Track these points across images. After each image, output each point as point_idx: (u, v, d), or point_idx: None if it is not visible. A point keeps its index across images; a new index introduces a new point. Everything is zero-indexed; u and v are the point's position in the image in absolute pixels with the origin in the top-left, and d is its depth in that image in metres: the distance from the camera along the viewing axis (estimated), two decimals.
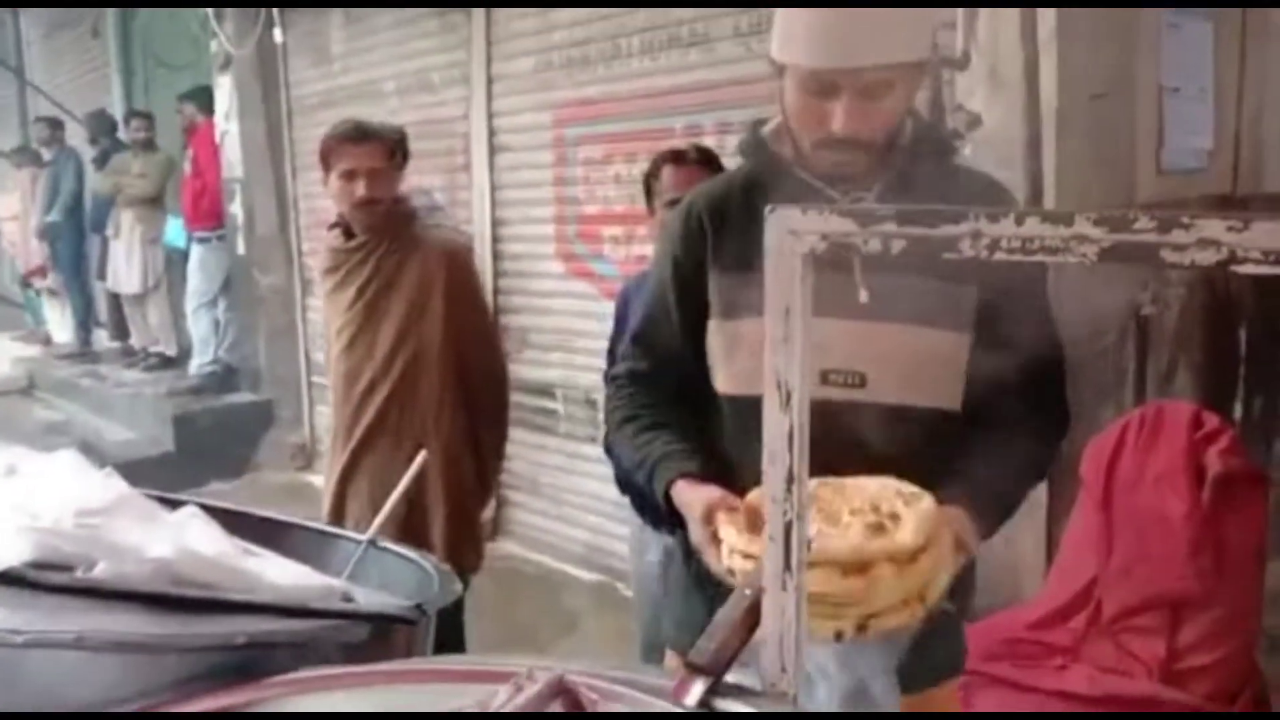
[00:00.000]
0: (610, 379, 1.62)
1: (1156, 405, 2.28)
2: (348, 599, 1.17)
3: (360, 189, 2.53)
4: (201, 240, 6.46)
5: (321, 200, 5.66)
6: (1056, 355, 1.49)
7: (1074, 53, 2.73)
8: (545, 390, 4.39)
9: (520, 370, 4.19)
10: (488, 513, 4.51)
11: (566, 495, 4.48)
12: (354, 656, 1.08)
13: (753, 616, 0.99)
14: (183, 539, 1.12)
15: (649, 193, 2.46)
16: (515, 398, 4.52)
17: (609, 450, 1.97)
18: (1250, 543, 2.15)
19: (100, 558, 1.05)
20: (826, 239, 0.89)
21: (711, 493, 1.36)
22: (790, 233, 0.91)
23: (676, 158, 2.42)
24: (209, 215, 6.39)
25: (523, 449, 4.68)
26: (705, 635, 0.98)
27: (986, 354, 1.39)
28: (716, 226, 1.47)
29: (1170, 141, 3.18)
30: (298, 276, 6.02)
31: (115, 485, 1.27)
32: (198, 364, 6.60)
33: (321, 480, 5.55)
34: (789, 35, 1.37)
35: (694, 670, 0.96)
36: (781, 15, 1.40)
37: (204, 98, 6.41)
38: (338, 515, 2.69)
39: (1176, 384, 3.15)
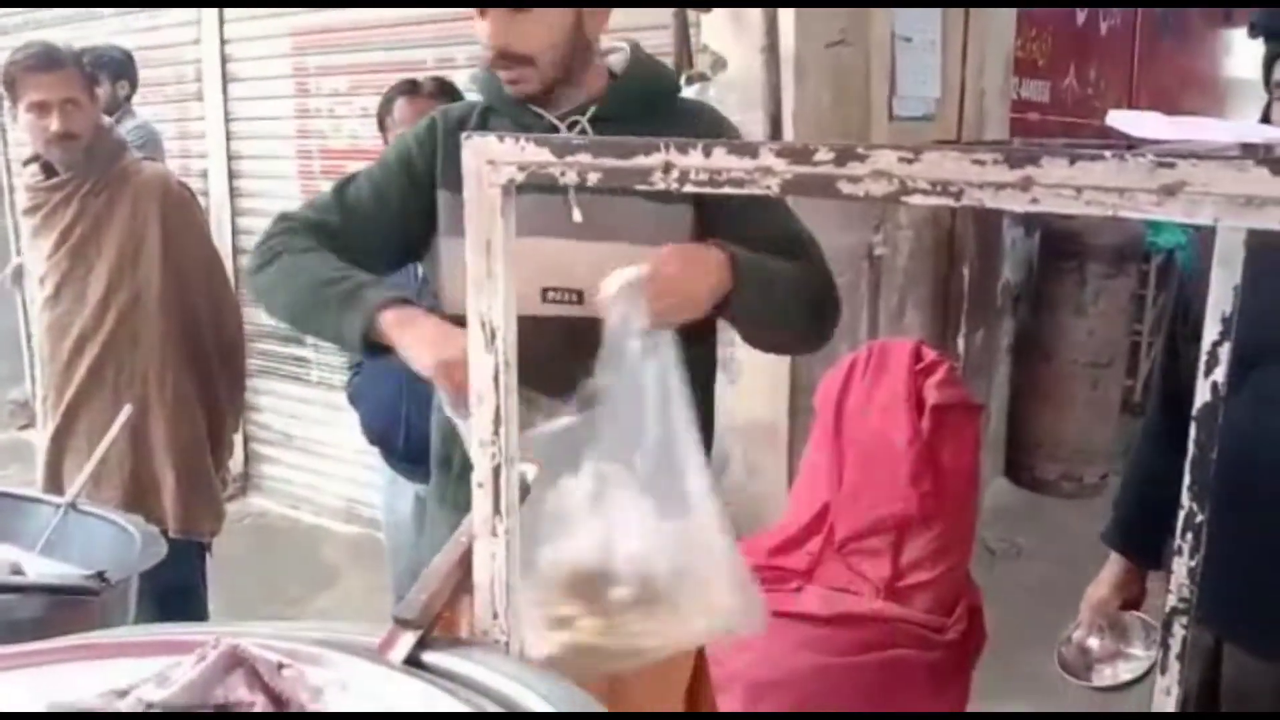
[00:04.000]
0: (281, 218, 1.54)
1: (881, 342, 2.41)
2: (18, 572, 1.04)
3: (54, 123, 2.27)
4: None
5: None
6: (809, 240, 1.53)
7: None
8: (295, 336, 4.17)
9: (265, 315, 3.95)
10: (235, 468, 4.28)
11: (321, 447, 4.31)
12: (38, 632, 0.97)
13: (464, 565, 0.96)
14: None
15: (382, 127, 2.35)
16: (262, 345, 4.30)
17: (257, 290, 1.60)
18: (965, 467, 2.31)
19: None
20: (524, 169, 0.85)
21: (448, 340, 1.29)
22: (488, 163, 0.87)
23: (411, 89, 2.31)
24: None
25: (273, 399, 4.46)
26: (415, 588, 0.94)
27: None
28: (449, 148, 1.48)
29: (902, 89, 3.35)
30: (9, 215, 5.42)
31: None
32: None
33: None
34: None
35: (402, 624, 0.92)
36: None
37: None
38: (54, 481, 2.44)
39: (906, 320, 3.36)
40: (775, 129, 2.60)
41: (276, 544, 4.20)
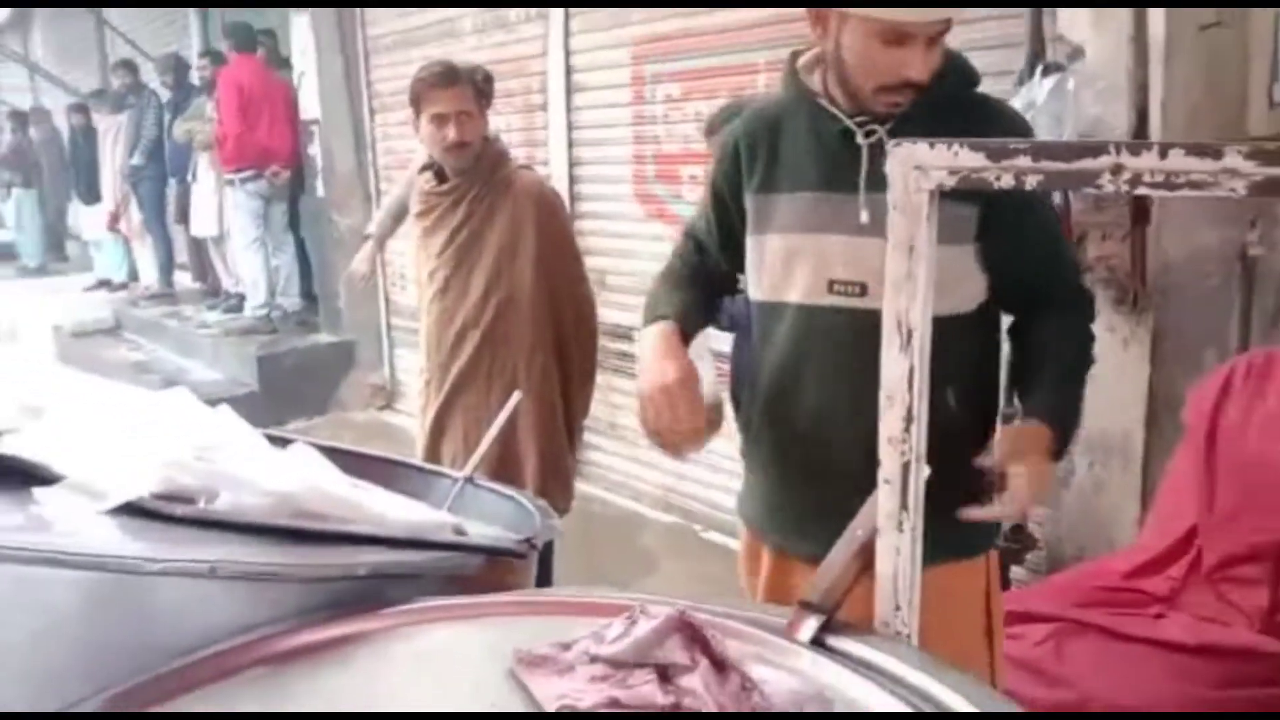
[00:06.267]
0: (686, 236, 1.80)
1: (1266, 351, 2.19)
2: (460, 532, 1.18)
3: (451, 133, 2.53)
4: (234, 182, 6.46)
5: (399, 141, 5.70)
6: (1073, 263, 1.70)
7: None
8: (623, 333, 4.39)
9: (598, 313, 4.19)
10: None
11: (643, 438, 4.49)
12: (465, 589, 1.10)
13: (864, 556, 0.99)
14: (300, 473, 1.14)
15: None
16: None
17: None
18: None
19: (221, 490, 1.08)
20: (956, 174, 0.86)
21: (666, 368, 1.55)
22: (917, 168, 0.89)
23: None
24: (236, 156, 6.35)
25: (601, 391, 4.69)
26: (818, 574, 0.98)
27: (1007, 259, 1.53)
28: (750, 152, 1.61)
29: None
30: (377, 217, 6.06)
31: (230, 421, 1.30)
32: (251, 307, 6.70)
33: (402, 420, 5.69)
34: None
35: (807, 608, 0.97)
36: None
37: (241, 33, 6.35)
38: (433, 455, 2.74)
39: None
40: (1141, 122, 2.43)
41: (599, 528, 4.42)
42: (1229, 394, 2.10)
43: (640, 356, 1.62)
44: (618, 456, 4.69)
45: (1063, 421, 1.48)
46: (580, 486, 4.87)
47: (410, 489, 1.61)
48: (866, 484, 1.41)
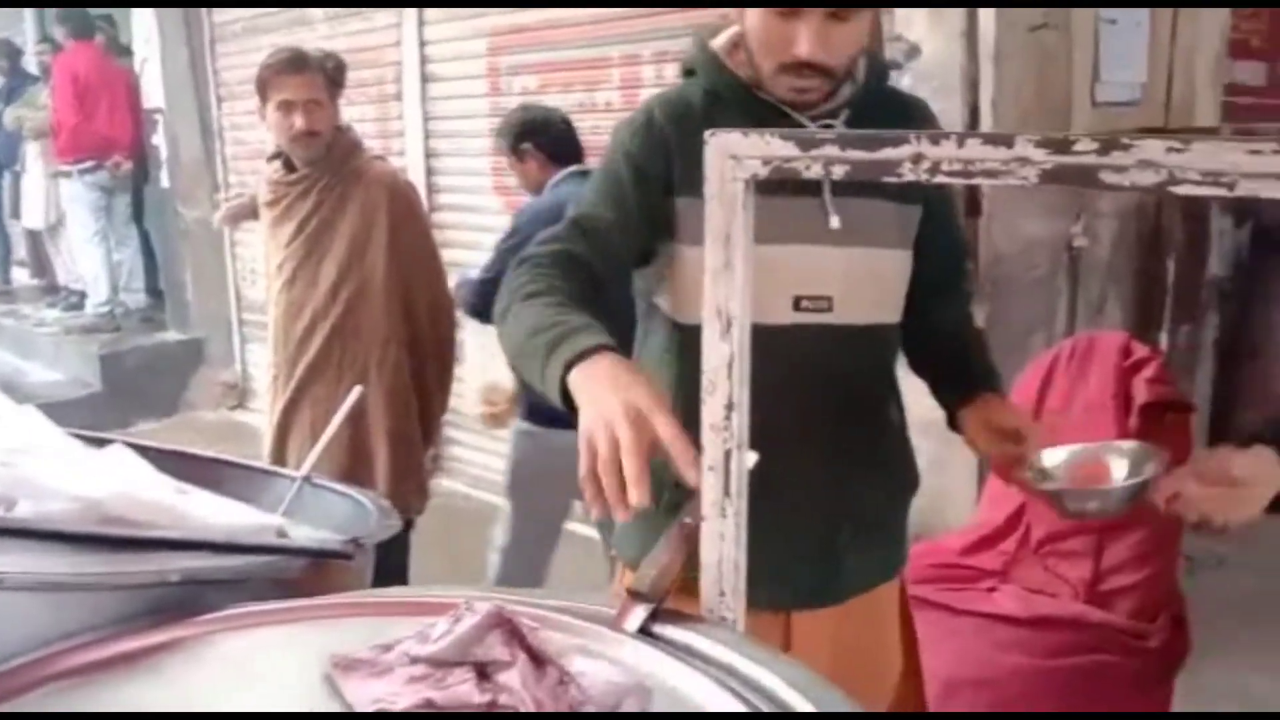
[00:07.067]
0: (523, 260, 1.36)
1: (1088, 336, 2.32)
2: (282, 534, 1.14)
3: (299, 121, 2.45)
4: (71, 174, 6.17)
5: (248, 131, 5.49)
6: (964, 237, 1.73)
7: None
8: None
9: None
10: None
11: (506, 433, 4.45)
12: (291, 593, 1.06)
13: (691, 543, 1.00)
14: (110, 477, 1.08)
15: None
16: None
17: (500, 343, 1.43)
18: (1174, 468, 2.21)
19: (21, 497, 1.02)
20: (768, 164, 0.88)
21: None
22: (731, 158, 0.90)
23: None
24: (73, 146, 6.08)
25: (461, 386, 4.64)
26: (645, 562, 0.99)
27: (927, 262, 1.47)
28: (682, 142, 1.35)
29: (1106, 74, 3.20)
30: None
31: (34, 422, 1.23)
32: (93, 304, 6.41)
33: (255, 419, 5.51)
34: None
35: (635, 597, 0.97)
36: None
37: (77, 20, 6.06)
38: (279, 453, 2.65)
39: (1106, 314, 3.22)
40: (973, 118, 2.53)
41: (462, 525, 4.37)
42: (1054, 376, 2.22)
43: (587, 388, 1.11)
44: (481, 451, 4.65)
45: (1001, 391, 1.51)
46: (443, 482, 4.83)
47: (245, 491, 1.55)
48: (851, 517, 1.41)
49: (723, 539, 0.98)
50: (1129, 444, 1.47)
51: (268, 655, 0.92)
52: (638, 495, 0.98)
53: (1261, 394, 4.31)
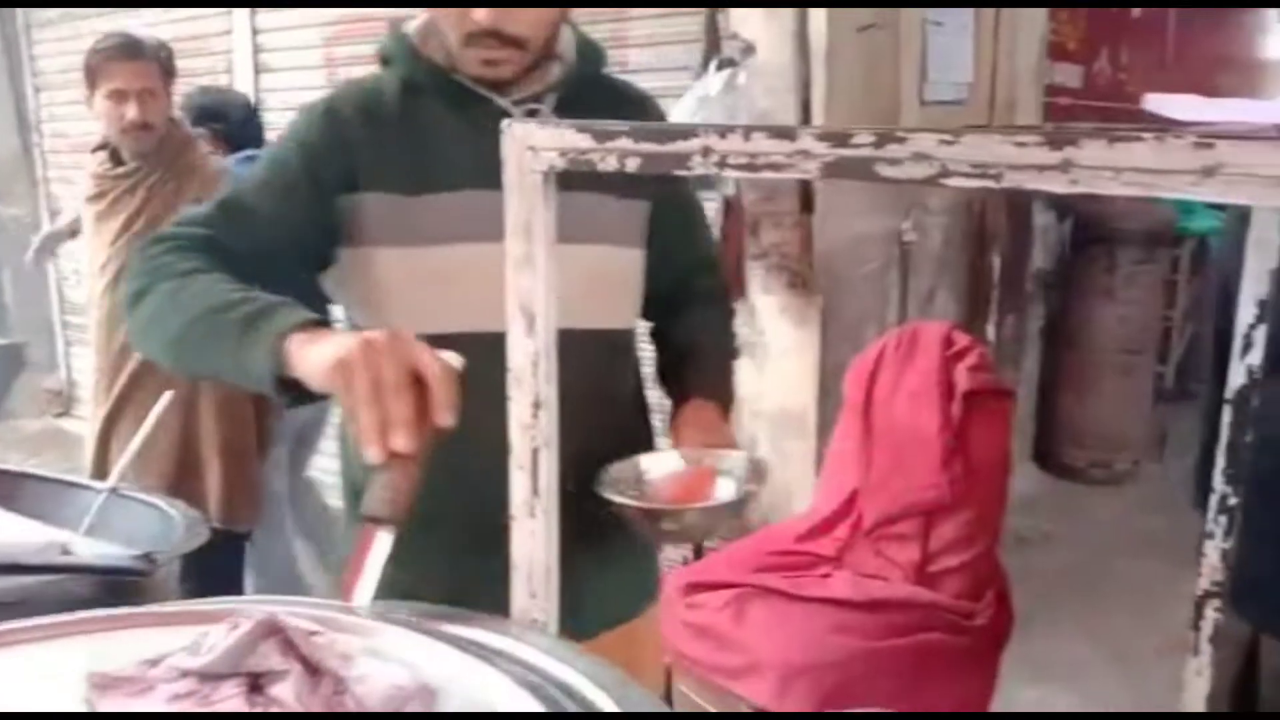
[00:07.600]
0: (160, 239, 1.22)
1: (913, 327, 2.40)
2: (67, 552, 1.07)
3: (132, 111, 2.32)
4: None
5: (70, 123, 5.18)
6: (712, 245, 1.64)
7: None
8: None
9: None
10: None
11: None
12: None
13: (416, 460, 0.94)
14: None
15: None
16: None
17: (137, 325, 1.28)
18: (995, 453, 2.30)
19: None
20: (565, 155, 0.86)
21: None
22: (529, 149, 0.88)
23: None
24: None
25: None
26: (378, 485, 0.92)
27: (663, 261, 1.42)
28: (370, 135, 1.26)
29: (933, 74, 3.33)
30: (44, 206, 5.50)
31: None
32: None
33: (81, 426, 5.21)
34: None
35: (374, 522, 0.92)
36: None
37: None
38: (101, 464, 2.50)
39: (936, 306, 3.35)
40: (805, 114, 2.59)
41: None
42: (881, 366, 2.28)
43: (305, 364, 1.02)
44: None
45: (724, 400, 1.43)
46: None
47: (51, 506, 1.46)
48: (586, 548, 1.26)
49: (533, 537, 0.96)
50: (734, 456, 1.32)
51: (24, 676, 0.86)
52: (404, 441, 0.92)
53: (1079, 381, 4.57)
